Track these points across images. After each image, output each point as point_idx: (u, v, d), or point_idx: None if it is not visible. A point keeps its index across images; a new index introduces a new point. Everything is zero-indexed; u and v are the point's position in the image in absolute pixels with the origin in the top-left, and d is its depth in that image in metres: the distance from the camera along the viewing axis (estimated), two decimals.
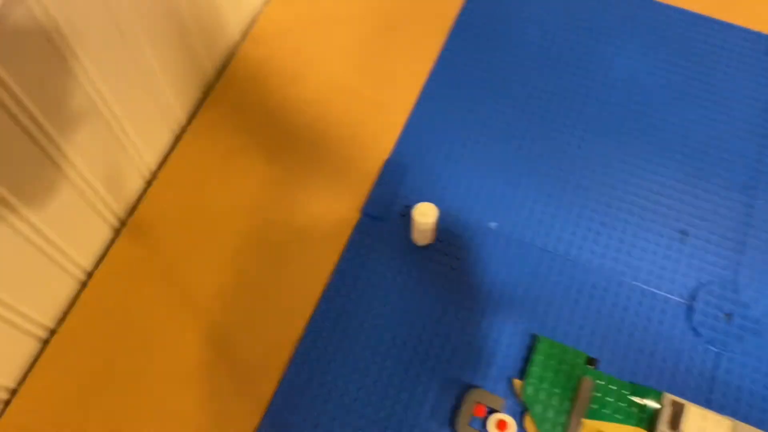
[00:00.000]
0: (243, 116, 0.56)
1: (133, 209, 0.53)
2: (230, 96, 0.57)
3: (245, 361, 0.47)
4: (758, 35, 0.60)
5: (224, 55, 0.60)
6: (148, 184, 0.54)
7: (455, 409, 0.45)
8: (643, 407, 0.44)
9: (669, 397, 0.43)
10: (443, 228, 0.51)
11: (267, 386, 0.46)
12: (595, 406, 0.44)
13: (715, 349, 0.47)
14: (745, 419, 0.44)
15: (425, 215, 0.47)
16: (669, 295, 0.49)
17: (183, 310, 0.49)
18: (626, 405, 0.44)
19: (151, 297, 0.49)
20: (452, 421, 0.45)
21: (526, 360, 0.46)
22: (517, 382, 0.46)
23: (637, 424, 0.44)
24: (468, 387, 0.46)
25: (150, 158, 0.54)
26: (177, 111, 0.56)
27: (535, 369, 0.46)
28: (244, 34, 0.62)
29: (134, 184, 0.53)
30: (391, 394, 0.46)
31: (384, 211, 0.52)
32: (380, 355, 0.47)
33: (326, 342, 0.47)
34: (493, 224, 0.52)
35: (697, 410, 0.42)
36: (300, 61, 0.59)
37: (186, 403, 0.46)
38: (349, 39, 0.61)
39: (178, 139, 0.57)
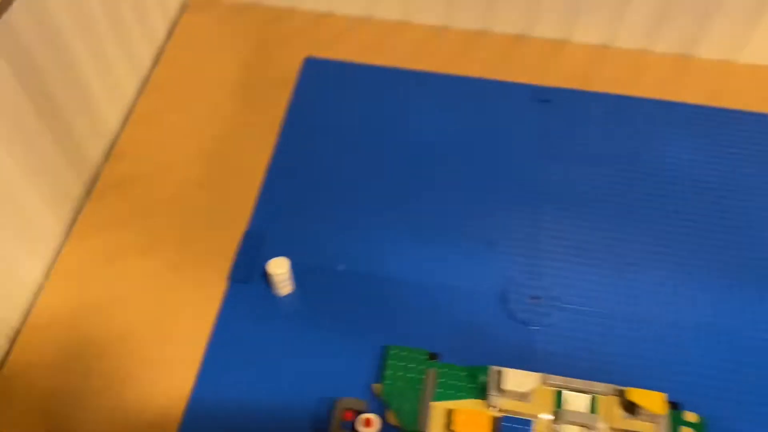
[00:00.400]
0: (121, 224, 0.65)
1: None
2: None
3: None
4: (526, 86, 0.76)
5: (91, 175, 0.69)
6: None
7: (330, 420, 0.54)
8: (477, 383, 0.54)
9: (493, 368, 0.54)
10: (300, 277, 0.61)
11: None
12: (440, 390, 0.54)
13: (528, 326, 0.59)
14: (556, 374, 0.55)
15: (278, 267, 0.57)
16: (487, 291, 0.61)
17: None
18: (465, 384, 0.55)
19: None
20: (327, 430, 0.53)
21: (382, 367, 0.56)
22: (376, 386, 0.55)
23: (476, 397, 0.54)
24: (338, 400, 0.55)
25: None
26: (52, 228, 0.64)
27: (388, 372, 0.55)
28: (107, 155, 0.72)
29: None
30: (276, 417, 0.54)
31: (247, 274, 0.61)
32: (265, 387, 0.55)
33: (216, 389, 0.55)
34: (341, 266, 0.62)
35: (513, 372, 0.53)
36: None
37: None
38: (202, 138, 0.71)
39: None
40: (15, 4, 0.55)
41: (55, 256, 0.63)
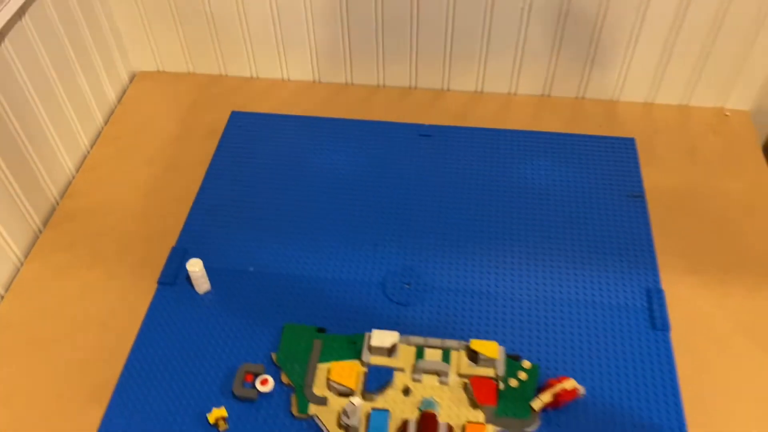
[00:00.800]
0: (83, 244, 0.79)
1: None
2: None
3: None
4: (413, 125, 0.92)
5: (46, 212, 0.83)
6: None
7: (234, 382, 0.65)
8: (355, 347, 0.67)
9: (367, 334, 0.67)
10: (217, 278, 0.74)
11: None
12: (325, 355, 0.66)
13: (402, 305, 0.72)
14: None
15: (193, 265, 0.71)
16: (371, 281, 0.74)
17: None
18: (345, 349, 0.67)
19: None
20: (231, 390, 0.65)
21: (279, 341, 0.69)
22: (273, 354, 0.67)
23: (353, 358, 0.66)
24: (240, 366, 0.67)
25: None
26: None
27: (283, 343, 0.68)
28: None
29: None
30: (196, 385, 0.66)
31: (173, 278, 0.75)
32: (186, 360, 0.67)
33: (147, 360, 0.67)
34: (251, 268, 0.76)
35: (378, 331, 0.65)
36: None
37: None
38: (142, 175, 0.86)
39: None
40: None
41: (15, 273, 0.77)
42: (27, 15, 0.77)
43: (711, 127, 0.92)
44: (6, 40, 0.74)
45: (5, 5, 0.72)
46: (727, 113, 0.93)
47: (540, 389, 0.64)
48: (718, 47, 0.87)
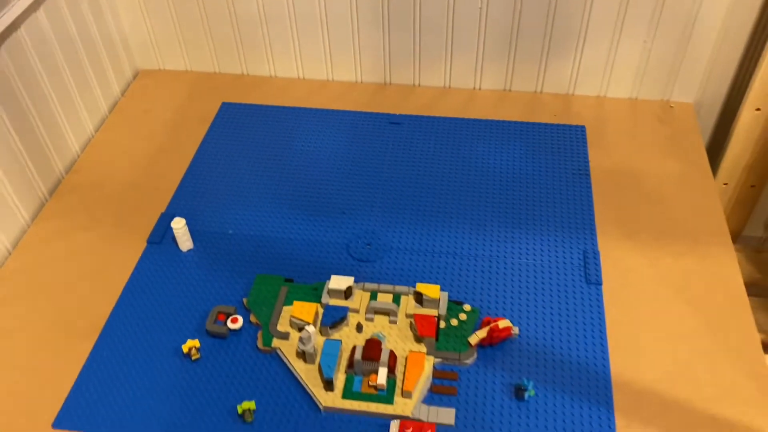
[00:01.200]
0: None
1: None
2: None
3: None
4: (385, 115, 1.02)
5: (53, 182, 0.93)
6: None
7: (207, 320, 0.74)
8: (318, 293, 0.75)
9: (327, 282, 0.75)
10: (200, 238, 0.84)
11: None
12: (290, 299, 0.75)
13: (363, 261, 0.80)
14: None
15: (176, 222, 0.80)
16: (338, 242, 0.83)
17: None
18: (308, 294, 0.75)
19: None
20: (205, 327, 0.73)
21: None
22: (245, 299, 0.76)
23: (315, 302, 0.74)
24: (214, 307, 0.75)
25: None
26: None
27: (253, 289, 0.76)
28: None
29: None
30: (175, 324, 0.74)
31: (160, 238, 0.84)
32: (170, 306, 0.76)
33: (136, 307, 0.76)
34: (230, 231, 0.85)
35: (335, 276, 0.74)
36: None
37: None
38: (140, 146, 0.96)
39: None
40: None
41: (22, 234, 0.87)
42: (42, 8, 0.89)
43: (657, 117, 1.00)
44: (22, 28, 0.85)
45: None
46: (672, 105, 1.02)
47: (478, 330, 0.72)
48: (658, 44, 0.97)
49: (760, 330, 0.75)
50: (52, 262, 0.83)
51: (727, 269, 0.80)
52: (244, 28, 1.05)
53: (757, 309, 0.81)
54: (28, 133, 0.88)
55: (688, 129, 0.99)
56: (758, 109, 0.93)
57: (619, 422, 0.66)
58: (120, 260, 0.83)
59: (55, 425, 0.67)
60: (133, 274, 0.81)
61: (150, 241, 0.84)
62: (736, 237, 1.11)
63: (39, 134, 0.90)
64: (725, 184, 1.03)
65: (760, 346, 0.72)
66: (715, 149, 1.04)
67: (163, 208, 0.89)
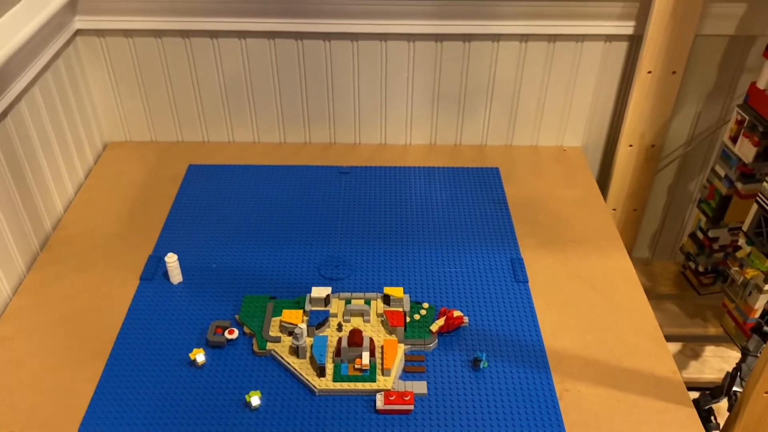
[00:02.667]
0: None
1: None
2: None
3: None
4: (334, 167, 1.19)
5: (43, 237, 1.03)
6: None
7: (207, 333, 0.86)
8: (299, 305, 0.89)
9: (308, 294, 0.89)
10: (188, 273, 0.96)
11: None
12: (277, 312, 0.88)
13: (334, 280, 0.95)
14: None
15: (170, 257, 0.92)
16: (308, 268, 0.97)
17: None
18: (292, 306, 0.89)
19: None
20: (206, 338, 0.85)
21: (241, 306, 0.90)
22: (237, 316, 0.88)
23: (300, 308, 0.88)
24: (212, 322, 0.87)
25: None
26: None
27: (244, 308, 0.89)
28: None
29: None
30: (177, 343, 0.85)
31: (152, 275, 0.95)
32: (170, 325, 0.87)
33: (138, 342, 0.86)
34: (213, 265, 0.98)
35: (315, 288, 0.88)
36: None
37: None
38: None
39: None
40: None
41: (20, 282, 0.95)
42: (36, 86, 1.02)
43: (554, 158, 1.24)
44: (23, 101, 0.98)
45: (24, 73, 0.96)
46: (565, 149, 1.26)
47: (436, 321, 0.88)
48: (549, 101, 1.22)
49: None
50: (53, 301, 0.92)
51: (622, 264, 1.01)
52: (207, 100, 1.21)
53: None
54: (24, 189, 0.99)
55: (579, 166, 1.23)
56: (631, 145, 1.19)
57: (556, 378, 0.83)
58: (117, 295, 0.93)
59: None
60: (132, 305, 0.91)
61: (143, 278, 0.95)
62: None
63: (33, 191, 1.01)
64: (614, 209, 1.27)
65: (654, 317, 0.93)
66: (603, 181, 1.29)
67: (149, 252, 1.01)
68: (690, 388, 0.85)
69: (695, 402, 0.98)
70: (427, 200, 1.13)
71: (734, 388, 0.91)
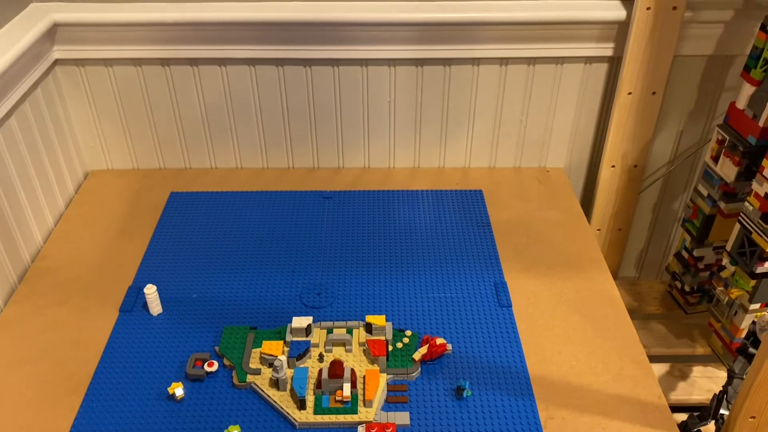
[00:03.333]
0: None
1: None
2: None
3: None
4: (317, 192, 1.19)
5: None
6: None
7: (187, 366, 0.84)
8: (280, 335, 0.88)
9: (289, 324, 0.88)
10: (168, 304, 0.94)
11: None
12: (257, 343, 0.87)
13: (316, 308, 0.94)
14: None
15: (149, 288, 0.91)
16: (291, 295, 0.96)
17: None
18: (273, 337, 0.88)
19: None
20: (185, 372, 0.84)
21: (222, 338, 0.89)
22: (217, 348, 0.87)
23: (280, 339, 0.87)
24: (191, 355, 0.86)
25: None
26: None
27: (224, 339, 0.88)
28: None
29: None
30: (156, 376, 0.84)
31: (131, 306, 0.94)
32: (148, 357, 0.86)
33: (116, 377, 0.85)
34: (194, 295, 0.97)
35: (296, 318, 0.87)
36: None
37: None
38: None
39: None
40: None
41: None
42: (13, 117, 1.01)
43: (536, 179, 1.24)
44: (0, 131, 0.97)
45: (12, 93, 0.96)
46: (548, 170, 1.26)
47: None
48: (530, 123, 1.22)
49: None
50: (30, 335, 0.91)
51: (606, 286, 1.00)
52: (188, 127, 1.21)
53: (637, 329, 1.01)
54: (1, 220, 0.97)
55: (562, 187, 1.22)
56: (613, 166, 1.19)
57: (540, 406, 0.82)
58: (95, 328, 0.92)
59: None
60: (111, 338, 0.90)
61: (122, 310, 0.94)
62: (614, 277, 1.34)
63: (9, 223, 0.99)
64: (598, 230, 1.26)
65: (638, 340, 0.92)
66: (587, 202, 1.29)
67: (129, 283, 0.99)
68: (679, 409, 0.84)
69: (683, 425, 0.97)
70: (411, 224, 1.12)
71: (721, 411, 0.90)
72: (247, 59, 1.14)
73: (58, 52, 1.12)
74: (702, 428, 0.98)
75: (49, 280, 1.00)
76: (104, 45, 1.11)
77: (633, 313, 1.05)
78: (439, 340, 0.87)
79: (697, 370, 1.16)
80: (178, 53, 1.13)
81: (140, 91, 1.17)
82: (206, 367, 0.84)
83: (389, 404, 0.82)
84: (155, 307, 0.93)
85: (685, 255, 1.19)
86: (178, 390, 0.81)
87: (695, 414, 0.98)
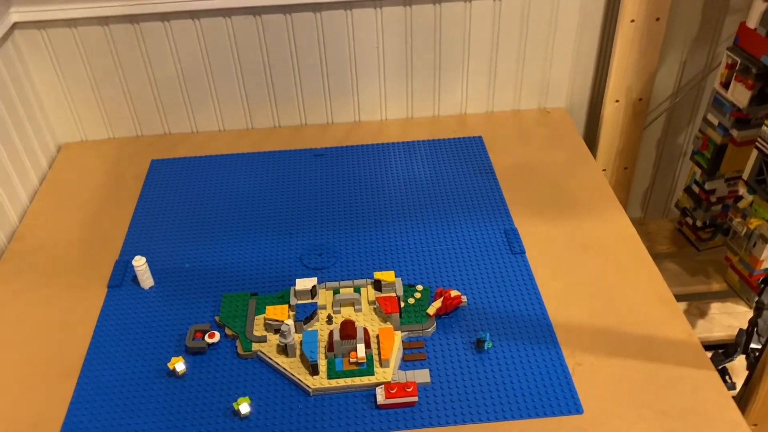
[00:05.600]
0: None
1: None
2: None
3: None
4: (308, 150, 1.12)
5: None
6: None
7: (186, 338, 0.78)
8: (283, 300, 0.82)
9: (292, 287, 0.82)
10: (159, 275, 0.88)
11: None
12: (260, 309, 0.81)
13: (318, 269, 0.88)
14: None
15: (137, 261, 0.85)
16: (290, 257, 0.90)
17: None
18: (276, 302, 0.82)
19: None
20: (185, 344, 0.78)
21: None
22: (217, 317, 0.81)
23: (284, 303, 0.81)
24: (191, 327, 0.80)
25: None
26: None
27: (224, 308, 0.82)
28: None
29: None
30: (155, 350, 0.78)
31: (120, 281, 0.88)
32: (145, 328, 0.80)
33: (110, 357, 0.79)
34: (187, 264, 0.90)
35: (300, 279, 0.81)
36: None
37: None
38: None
39: None
40: None
41: None
42: None
43: (537, 121, 1.18)
44: None
45: None
46: (548, 111, 1.20)
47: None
48: (528, 63, 1.15)
49: None
50: (13, 320, 0.84)
51: (622, 224, 0.95)
52: (164, 89, 1.13)
53: None
54: None
55: (565, 128, 1.17)
56: (617, 101, 1.13)
57: (566, 353, 0.77)
58: (84, 307, 0.85)
59: None
60: (101, 316, 0.84)
61: (110, 286, 0.88)
62: None
63: None
64: (604, 170, 1.21)
65: (661, 277, 0.87)
66: (591, 142, 1.23)
67: (116, 256, 0.93)
68: None
69: None
70: (410, 177, 1.06)
71: (752, 345, 0.87)
72: (222, 9, 1.05)
73: (16, 14, 1.02)
74: (728, 365, 0.95)
75: (27, 262, 0.93)
76: (66, 3, 1.02)
77: None
78: (454, 293, 0.81)
79: (715, 307, 1.12)
80: (146, 8, 1.04)
81: (109, 53, 1.09)
82: (207, 339, 0.79)
83: (406, 363, 0.76)
84: (146, 279, 0.87)
85: (696, 189, 1.14)
86: (178, 365, 0.75)
87: (720, 351, 0.95)
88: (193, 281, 0.88)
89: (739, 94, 1.00)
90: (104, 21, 1.05)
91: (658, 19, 1.05)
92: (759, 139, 0.95)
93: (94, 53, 1.09)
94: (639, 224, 1.26)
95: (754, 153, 0.96)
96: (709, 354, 0.96)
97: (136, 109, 1.15)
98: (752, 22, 0.96)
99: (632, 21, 1.05)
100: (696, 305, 1.12)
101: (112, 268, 0.90)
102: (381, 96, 1.17)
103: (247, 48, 1.10)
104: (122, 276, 0.89)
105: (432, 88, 1.17)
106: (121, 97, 1.13)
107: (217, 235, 0.96)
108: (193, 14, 1.06)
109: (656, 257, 1.21)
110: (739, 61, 0.99)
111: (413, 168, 1.08)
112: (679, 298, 1.14)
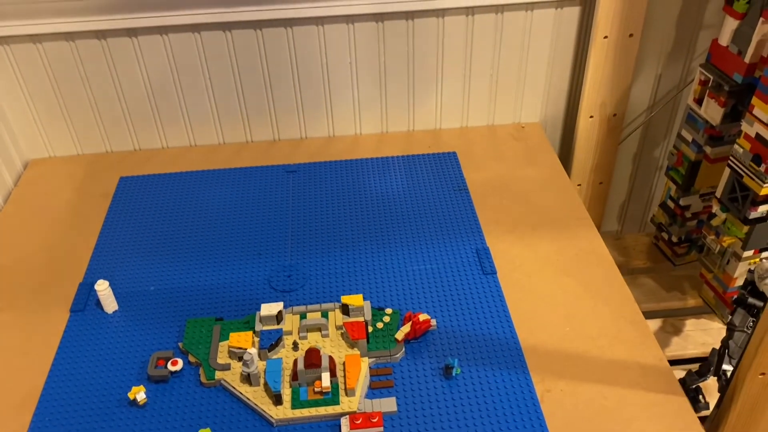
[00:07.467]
0: None
1: None
2: None
3: None
4: (280, 166, 1.10)
5: None
6: None
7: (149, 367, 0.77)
8: (249, 326, 0.80)
9: (257, 312, 0.81)
10: (123, 299, 0.86)
11: None
12: (224, 336, 0.79)
13: (287, 292, 0.87)
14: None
15: (100, 285, 0.83)
16: (258, 279, 0.89)
17: None
18: (241, 328, 0.80)
19: None
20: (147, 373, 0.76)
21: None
22: (180, 344, 0.79)
23: (250, 328, 0.79)
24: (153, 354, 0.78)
25: None
26: None
27: (187, 334, 0.80)
28: None
29: None
30: (116, 378, 0.76)
31: (83, 305, 0.86)
32: (106, 355, 0.78)
33: (70, 387, 0.77)
34: (152, 287, 0.88)
35: (265, 304, 0.80)
36: None
37: None
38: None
39: None
40: None
41: None
42: None
43: (512, 136, 1.17)
44: None
45: None
46: (523, 126, 1.19)
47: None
48: (502, 77, 1.14)
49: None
50: None
51: (594, 244, 0.95)
52: (133, 105, 1.11)
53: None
54: None
55: (539, 143, 1.16)
56: (591, 116, 1.12)
57: (535, 378, 0.76)
58: (44, 333, 0.83)
59: None
60: (62, 342, 0.81)
61: (73, 310, 0.85)
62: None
63: None
64: (579, 185, 1.20)
65: (633, 299, 0.87)
66: (566, 157, 1.22)
67: (79, 280, 0.91)
68: (674, 363, 0.79)
69: (681, 382, 0.93)
70: (383, 194, 1.05)
71: (723, 367, 0.86)
72: (191, 25, 1.04)
73: None
74: (701, 384, 0.94)
75: None
76: (30, 19, 1.00)
77: (619, 268, 0.99)
78: (423, 316, 0.80)
79: (690, 323, 1.12)
80: (113, 23, 1.02)
81: (76, 69, 1.06)
82: (170, 366, 0.77)
83: (373, 390, 0.75)
84: (109, 304, 0.85)
85: (671, 205, 1.14)
86: (139, 394, 0.73)
87: (693, 371, 0.94)
88: (157, 305, 0.86)
89: (712, 111, 1.00)
90: (70, 36, 1.03)
91: (631, 35, 1.05)
92: (731, 158, 0.94)
93: (61, 69, 1.06)
94: (615, 238, 1.26)
95: (727, 171, 0.96)
96: (683, 372, 0.96)
97: (105, 124, 1.13)
98: (724, 40, 0.96)
99: (605, 37, 1.04)
100: (671, 322, 1.12)
101: (76, 292, 0.88)
102: (355, 110, 1.16)
103: (217, 63, 1.08)
104: (86, 299, 0.87)
105: (406, 103, 1.16)
106: (89, 112, 1.11)
107: (184, 255, 0.94)
108: (162, 30, 1.04)
109: (632, 272, 1.21)
110: (711, 78, 0.98)
111: (386, 185, 1.06)
112: (654, 313, 1.15)
